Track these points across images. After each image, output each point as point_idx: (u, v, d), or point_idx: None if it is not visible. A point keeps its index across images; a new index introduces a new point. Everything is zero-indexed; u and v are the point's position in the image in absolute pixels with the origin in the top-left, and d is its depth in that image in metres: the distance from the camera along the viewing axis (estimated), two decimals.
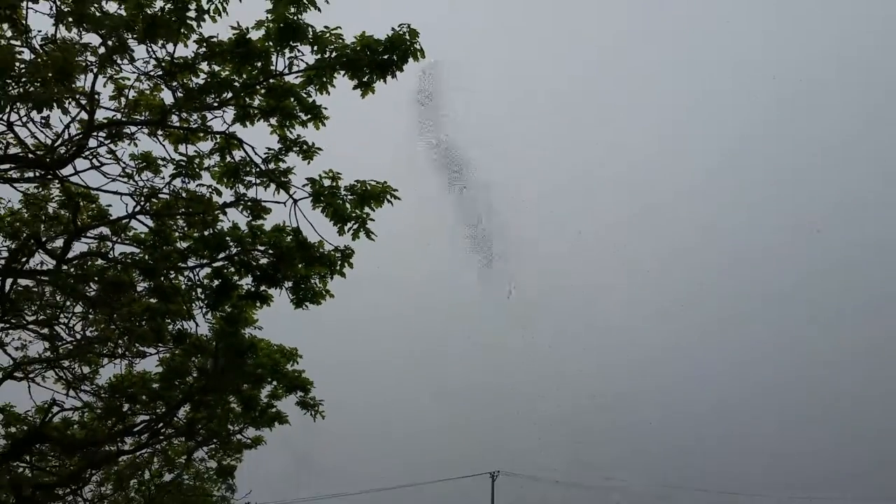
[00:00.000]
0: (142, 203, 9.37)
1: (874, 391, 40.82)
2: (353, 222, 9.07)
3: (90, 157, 8.78)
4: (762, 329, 43.31)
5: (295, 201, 9.15)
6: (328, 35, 8.05)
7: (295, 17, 7.87)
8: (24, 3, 7.49)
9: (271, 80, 8.34)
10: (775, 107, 44.02)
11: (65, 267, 9.82)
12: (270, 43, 8.05)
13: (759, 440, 41.56)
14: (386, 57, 8.06)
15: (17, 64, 7.27)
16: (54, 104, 7.54)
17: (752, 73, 43.76)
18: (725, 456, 42.35)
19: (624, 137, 43.36)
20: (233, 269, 9.93)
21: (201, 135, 8.99)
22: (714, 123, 46.21)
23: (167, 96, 8.58)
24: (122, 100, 8.67)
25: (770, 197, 45.50)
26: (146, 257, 9.78)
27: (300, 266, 9.74)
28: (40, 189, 9.91)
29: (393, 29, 8.01)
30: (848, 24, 42.83)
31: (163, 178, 9.35)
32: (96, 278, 10.08)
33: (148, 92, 8.69)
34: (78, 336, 11.02)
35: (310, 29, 7.98)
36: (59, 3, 7.50)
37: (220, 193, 9.39)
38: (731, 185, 45.80)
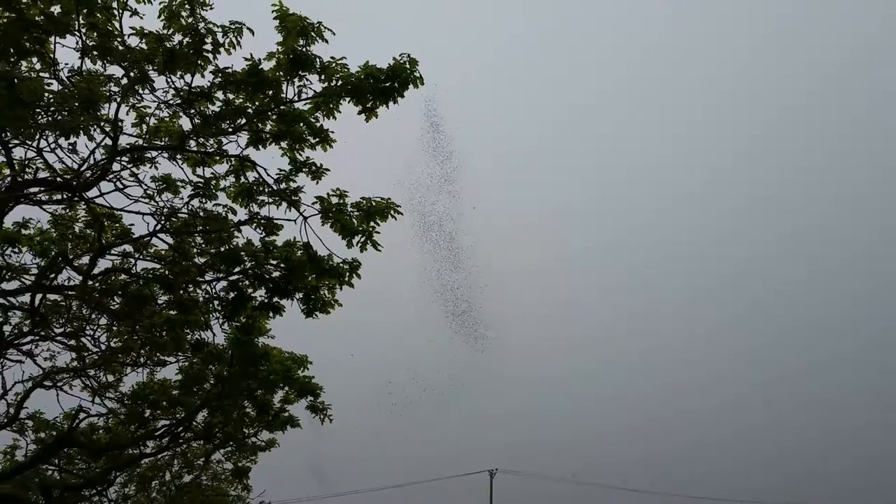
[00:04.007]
0: (162, 222, 9.63)
1: None
2: (360, 236, 9.29)
3: (114, 180, 9.09)
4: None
5: (305, 218, 9.42)
6: (334, 65, 8.42)
7: (303, 49, 8.24)
8: (52, 38, 7.86)
9: (282, 107, 8.67)
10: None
11: (90, 282, 10.11)
12: (281, 72, 8.40)
13: None
14: (388, 84, 8.41)
15: (46, 94, 7.65)
16: (80, 131, 7.91)
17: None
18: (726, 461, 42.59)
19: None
20: (247, 282, 10.21)
21: (217, 158, 9.31)
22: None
23: (185, 123, 8.97)
24: (144, 126, 9.02)
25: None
26: (166, 272, 10.04)
27: (311, 278, 9.96)
28: (67, 210, 10.26)
29: (394, 58, 8.39)
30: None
31: (182, 198, 9.67)
32: (120, 292, 10.40)
33: (167, 119, 9.03)
34: (103, 347, 11.32)
35: (317, 59, 8.35)
36: (84, 37, 7.91)
37: (234, 212, 9.67)
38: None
